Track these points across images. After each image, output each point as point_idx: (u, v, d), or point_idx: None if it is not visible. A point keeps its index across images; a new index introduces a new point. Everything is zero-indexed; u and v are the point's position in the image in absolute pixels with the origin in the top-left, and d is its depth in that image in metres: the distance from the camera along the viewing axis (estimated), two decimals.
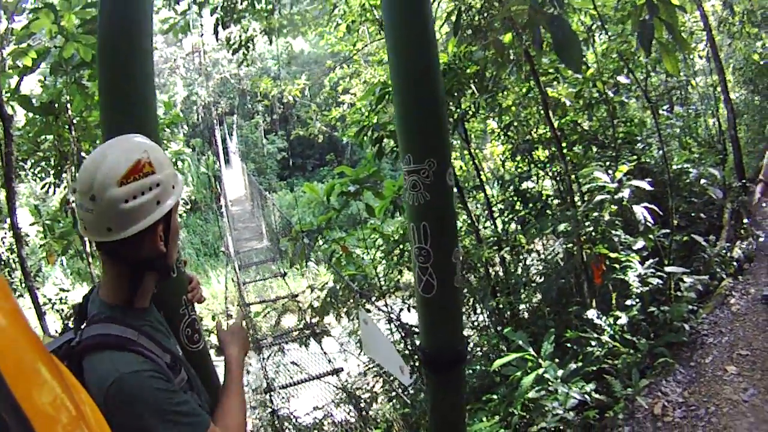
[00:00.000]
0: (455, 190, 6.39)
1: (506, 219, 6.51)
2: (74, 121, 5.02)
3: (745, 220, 6.54)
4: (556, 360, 4.10)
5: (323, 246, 7.63)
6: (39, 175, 6.36)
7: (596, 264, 4.50)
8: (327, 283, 7.63)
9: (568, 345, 4.42)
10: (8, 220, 5.11)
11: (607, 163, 5.49)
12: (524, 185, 6.42)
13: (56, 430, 0.62)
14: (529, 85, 5.74)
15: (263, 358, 7.70)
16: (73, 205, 1.49)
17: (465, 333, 6.72)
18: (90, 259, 6.05)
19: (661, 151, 5.86)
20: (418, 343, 4.19)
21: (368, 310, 6.18)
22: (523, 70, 5.36)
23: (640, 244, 4.54)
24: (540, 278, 5.84)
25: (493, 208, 6.64)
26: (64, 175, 5.89)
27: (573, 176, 5.52)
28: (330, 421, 6.36)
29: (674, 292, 4.76)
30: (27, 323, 0.63)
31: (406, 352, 5.52)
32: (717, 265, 5.51)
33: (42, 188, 6.46)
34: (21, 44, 4.47)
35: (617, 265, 4.51)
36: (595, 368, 4.04)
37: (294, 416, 6.53)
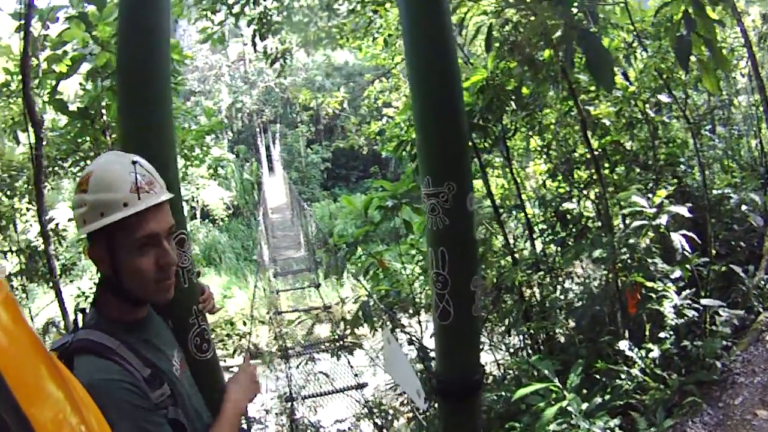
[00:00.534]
0: (493, 210, 6.34)
1: (546, 240, 6.34)
2: (110, 125, 5.12)
3: None
4: (584, 391, 3.95)
5: (360, 259, 7.59)
6: (78, 174, 6.54)
7: (631, 293, 4.32)
8: (360, 297, 7.60)
9: (597, 376, 4.25)
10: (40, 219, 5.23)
11: (648, 186, 5.29)
12: (564, 206, 6.24)
13: None
14: (569, 104, 5.59)
15: (289, 367, 7.69)
16: None
17: (499, 356, 6.60)
18: None
19: (701, 175, 5.64)
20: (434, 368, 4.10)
21: (394, 329, 6.10)
22: (561, 88, 5.22)
23: (677, 273, 4.33)
24: (577, 303, 5.66)
25: (534, 229, 6.48)
26: None
27: (612, 199, 5.34)
28: None
29: (709, 325, 4.53)
30: (33, 333, 0.64)
31: (424, 375, 5.41)
32: (755, 297, 5.21)
33: None
34: (56, 51, 4.58)
35: (653, 295, 4.31)
36: (621, 403, 3.86)
37: (315, 426, 6.47)
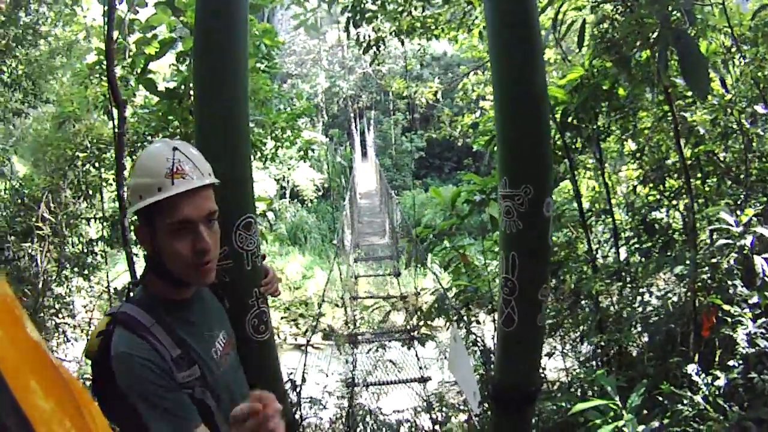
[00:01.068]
0: (578, 213, 6.12)
1: (630, 249, 6.07)
2: None
3: None
4: (645, 411, 3.76)
5: (443, 251, 7.56)
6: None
7: (707, 314, 4.06)
8: (438, 290, 7.57)
9: (660, 398, 4.03)
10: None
11: (738, 201, 4.93)
12: (653, 215, 5.94)
13: None
14: (665, 108, 5.30)
15: (356, 352, 7.78)
16: None
17: (569, 363, 6.40)
18: None
19: None
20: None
21: (469, 323, 6.03)
22: (657, 91, 4.94)
23: (755, 299, 4.02)
24: (654, 318, 5.39)
25: (620, 236, 6.22)
26: None
27: (701, 212, 5.02)
28: (407, 427, 6.28)
29: None
30: (31, 337, 0.62)
31: (483, 378, 5.33)
32: None
33: None
34: (145, 34, 4.79)
35: (728, 319, 4.03)
36: (679, 430, 3.64)
37: (374, 413, 6.52)
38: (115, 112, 4.47)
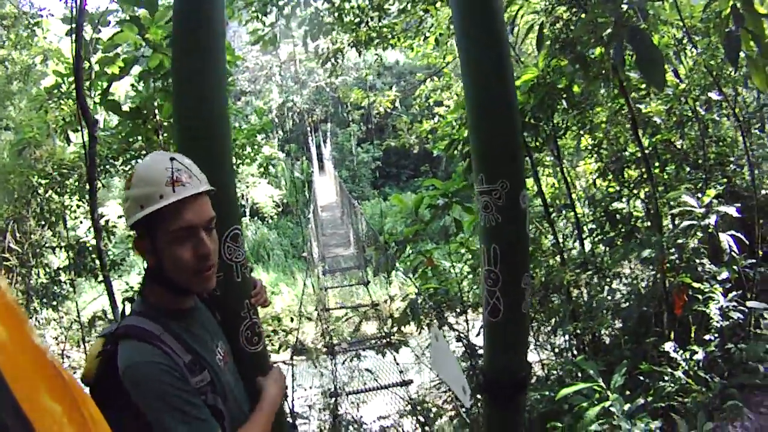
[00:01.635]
0: (543, 209, 6.30)
1: (594, 240, 6.27)
2: (162, 125, 5.27)
3: None
4: (627, 392, 3.90)
5: (409, 257, 7.64)
6: (130, 172, 6.76)
7: (678, 294, 4.24)
8: (409, 295, 7.65)
9: (641, 377, 4.19)
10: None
11: (698, 185, 5.16)
12: (614, 205, 6.16)
13: None
14: (620, 102, 5.51)
15: (334, 363, 7.79)
16: None
17: (544, 355, 6.55)
18: None
19: (751, 174, 5.48)
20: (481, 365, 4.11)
21: (441, 326, 6.12)
22: (612, 86, 5.15)
23: (724, 274, 4.23)
24: (625, 303, 5.59)
25: (583, 228, 6.41)
26: None
27: (662, 199, 5.24)
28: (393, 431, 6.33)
29: (754, 329, 4.41)
30: (34, 342, 0.64)
31: (470, 373, 5.42)
32: None
33: None
34: (108, 53, 4.74)
35: (699, 296, 4.22)
36: (664, 405, 3.80)
37: (358, 422, 6.55)
38: (85, 132, 4.41)
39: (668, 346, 4.14)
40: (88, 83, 5.39)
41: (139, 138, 5.76)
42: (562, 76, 5.38)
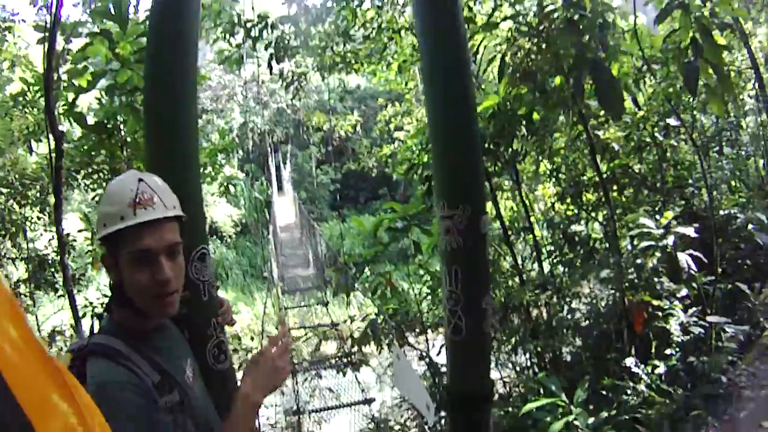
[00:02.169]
0: (501, 232, 6.46)
1: (554, 261, 6.45)
2: (127, 140, 5.22)
3: None
4: (591, 407, 4.03)
5: (368, 278, 7.71)
6: (91, 186, 6.65)
7: (638, 311, 4.42)
8: (369, 315, 7.70)
9: (604, 392, 4.33)
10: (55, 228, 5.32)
11: (656, 207, 5.39)
12: (573, 228, 6.36)
13: None
14: (579, 128, 5.74)
15: (296, 382, 7.76)
16: None
17: (505, 373, 6.67)
18: None
19: (709, 196, 5.75)
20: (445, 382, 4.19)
21: (402, 345, 6.20)
22: (571, 113, 5.36)
23: (683, 292, 4.44)
24: (585, 322, 5.76)
25: (542, 250, 6.59)
26: None
27: (620, 221, 5.45)
28: None
29: (715, 342, 4.62)
30: (38, 343, 0.65)
31: (434, 390, 5.50)
32: (761, 314, 5.32)
33: (93, 198, 6.94)
34: (77, 65, 4.68)
35: (659, 313, 4.41)
36: (628, 417, 3.94)
37: None
38: (52, 145, 4.34)
39: (629, 362, 4.29)
40: (57, 93, 5.31)
41: (102, 152, 5.68)
42: (522, 104, 5.56)
